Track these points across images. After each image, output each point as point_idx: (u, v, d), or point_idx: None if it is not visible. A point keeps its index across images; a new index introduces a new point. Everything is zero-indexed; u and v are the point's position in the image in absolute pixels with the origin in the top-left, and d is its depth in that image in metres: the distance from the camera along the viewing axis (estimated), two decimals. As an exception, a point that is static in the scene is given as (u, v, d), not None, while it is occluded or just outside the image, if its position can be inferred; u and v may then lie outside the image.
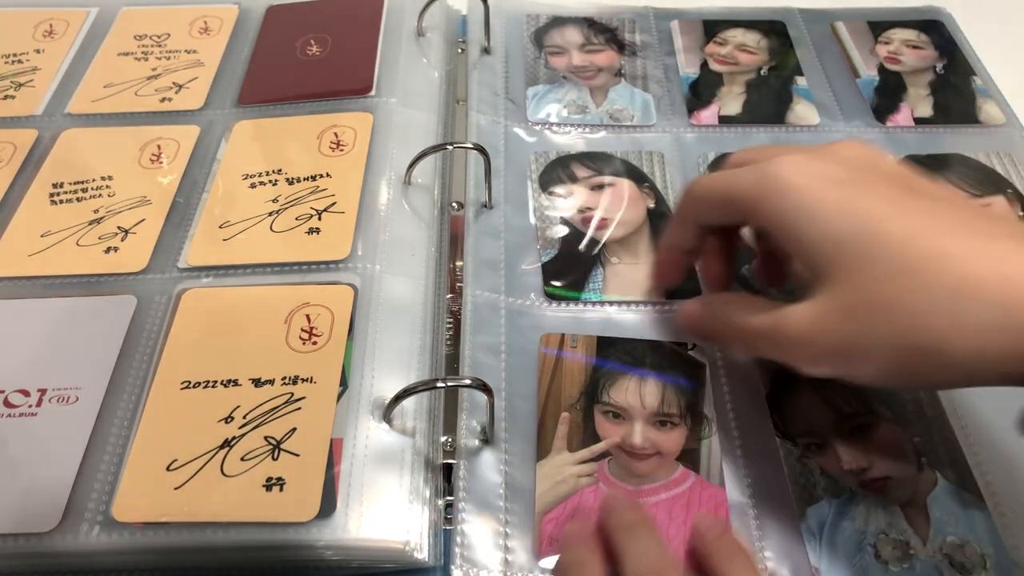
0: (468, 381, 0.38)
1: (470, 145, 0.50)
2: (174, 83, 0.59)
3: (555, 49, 0.63)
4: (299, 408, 0.39)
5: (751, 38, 0.64)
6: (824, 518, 0.38)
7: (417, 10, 0.62)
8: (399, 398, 0.39)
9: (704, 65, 0.62)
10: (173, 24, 0.64)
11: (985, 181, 0.53)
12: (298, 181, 0.50)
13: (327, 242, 0.46)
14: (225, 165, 0.52)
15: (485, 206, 0.51)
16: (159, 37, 0.63)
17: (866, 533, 0.38)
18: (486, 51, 0.62)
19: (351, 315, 0.43)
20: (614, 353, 0.44)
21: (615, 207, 0.52)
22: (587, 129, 0.57)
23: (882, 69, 0.61)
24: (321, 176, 0.50)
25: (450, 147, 0.51)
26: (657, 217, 0.52)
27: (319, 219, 0.48)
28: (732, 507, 0.39)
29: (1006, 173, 0.54)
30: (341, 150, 0.52)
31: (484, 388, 0.38)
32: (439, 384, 0.39)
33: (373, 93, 0.56)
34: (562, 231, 0.51)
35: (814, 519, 0.38)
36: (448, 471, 0.40)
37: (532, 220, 0.51)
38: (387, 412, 0.39)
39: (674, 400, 0.42)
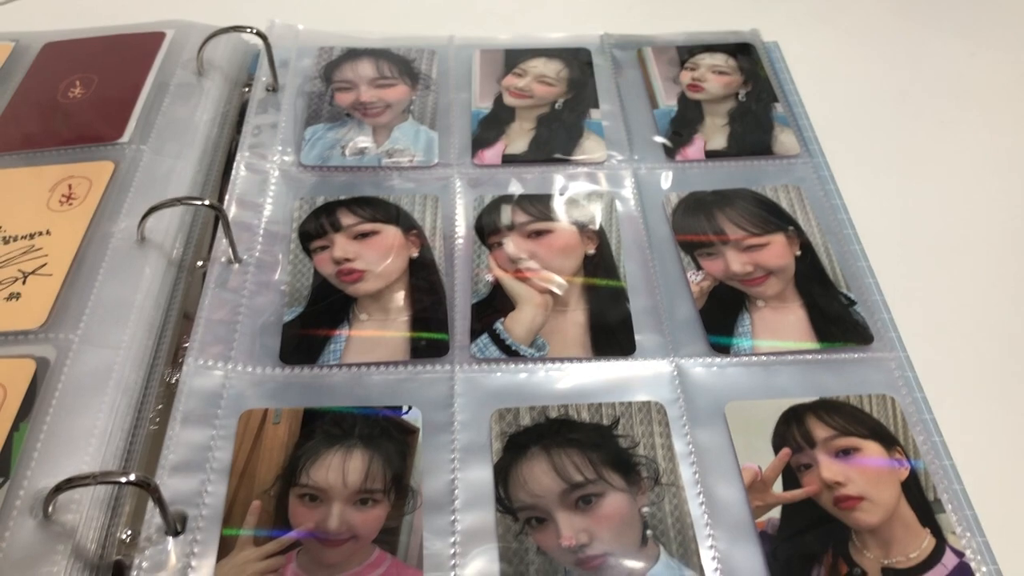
0: (126, 478, 0.35)
1: (205, 203, 0.47)
2: (-83, 131, 0.55)
3: (344, 85, 0.59)
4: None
5: (552, 68, 0.61)
6: (533, 604, 0.36)
7: (198, 47, 0.58)
8: (57, 491, 0.35)
9: (498, 99, 0.59)
10: (-63, 64, 0.60)
11: (766, 219, 0.51)
12: (14, 240, 0.46)
13: (25, 309, 0.43)
14: (-55, 224, 0.48)
15: (230, 262, 0.48)
16: (-82, 79, 0.59)
17: (575, 618, 0.35)
18: (272, 89, 0.59)
19: (30, 393, 0.39)
20: (321, 426, 0.41)
21: (376, 258, 0.49)
22: (362, 172, 0.54)
23: (682, 98, 0.59)
24: (40, 234, 0.46)
25: (181, 203, 0.47)
26: (418, 267, 0.48)
27: (23, 283, 0.44)
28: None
29: (791, 208, 0.52)
30: (70, 204, 0.48)
31: (143, 485, 0.35)
32: (90, 480, 0.35)
33: (124, 140, 0.52)
34: (312, 287, 0.47)
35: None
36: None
37: (280, 276, 0.48)
38: (45, 506, 0.35)
39: (379, 473, 0.39)
